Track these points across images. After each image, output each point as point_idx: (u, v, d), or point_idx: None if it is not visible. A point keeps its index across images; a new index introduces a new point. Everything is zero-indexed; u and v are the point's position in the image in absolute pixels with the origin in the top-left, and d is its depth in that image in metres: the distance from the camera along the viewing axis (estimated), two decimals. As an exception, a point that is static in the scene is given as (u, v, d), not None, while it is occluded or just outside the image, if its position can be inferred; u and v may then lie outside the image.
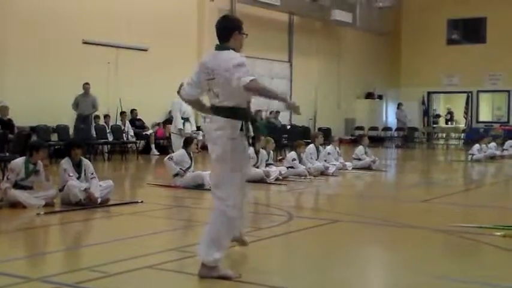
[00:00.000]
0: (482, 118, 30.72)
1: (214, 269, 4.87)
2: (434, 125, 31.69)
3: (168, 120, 17.30)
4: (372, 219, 8.11)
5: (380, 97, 30.61)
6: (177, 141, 11.67)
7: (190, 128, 11.95)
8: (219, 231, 4.91)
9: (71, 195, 8.57)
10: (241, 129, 4.90)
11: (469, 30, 30.86)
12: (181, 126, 11.65)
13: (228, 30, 5.11)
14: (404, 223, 7.83)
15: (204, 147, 17.05)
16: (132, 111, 19.40)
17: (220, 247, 4.88)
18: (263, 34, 23.49)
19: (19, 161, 8.67)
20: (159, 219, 8.23)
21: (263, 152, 12.30)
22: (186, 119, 11.78)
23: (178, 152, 11.17)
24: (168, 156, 11.24)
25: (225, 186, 4.93)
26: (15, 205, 8.30)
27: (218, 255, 4.86)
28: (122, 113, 18.86)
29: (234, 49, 5.03)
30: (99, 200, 8.65)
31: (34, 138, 13.96)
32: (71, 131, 16.68)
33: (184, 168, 10.93)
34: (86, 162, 9.05)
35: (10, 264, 5.42)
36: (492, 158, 19.12)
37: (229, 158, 4.92)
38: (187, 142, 11.24)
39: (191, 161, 11.10)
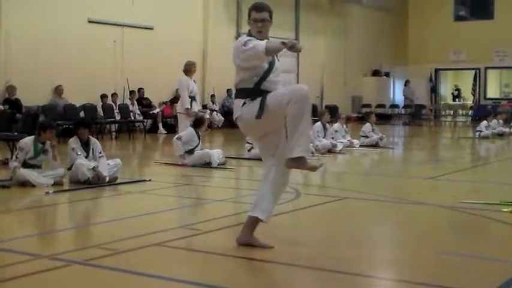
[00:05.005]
0: (490, 95, 30.55)
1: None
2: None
3: (176, 99, 17.30)
4: (379, 196, 8.13)
5: (387, 74, 30.48)
6: (183, 122, 11.64)
7: (196, 107, 11.91)
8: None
9: (79, 174, 8.63)
10: None
11: (477, 6, 30.62)
12: (189, 106, 11.62)
13: None
14: (411, 200, 7.84)
15: (210, 126, 17.14)
16: (139, 90, 19.40)
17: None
18: (269, 12, 23.34)
19: (28, 140, 8.71)
20: (167, 197, 8.27)
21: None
22: (193, 98, 11.74)
23: (187, 131, 11.17)
24: (177, 136, 11.24)
25: None
26: (24, 184, 8.36)
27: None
28: (131, 92, 18.90)
29: (251, 35, 5.14)
30: (107, 179, 8.70)
31: (42, 117, 14.00)
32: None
33: (192, 147, 10.96)
34: (94, 141, 9.10)
35: (20, 242, 5.47)
36: (500, 135, 19.08)
37: None
38: (199, 122, 11.26)
39: (199, 139, 11.14)
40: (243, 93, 5.06)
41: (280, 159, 5.07)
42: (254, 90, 5.01)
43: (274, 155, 5.15)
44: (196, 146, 11.05)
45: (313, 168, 5.06)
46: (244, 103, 5.02)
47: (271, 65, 5.12)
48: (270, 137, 5.17)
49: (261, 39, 5.00)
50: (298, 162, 4.90)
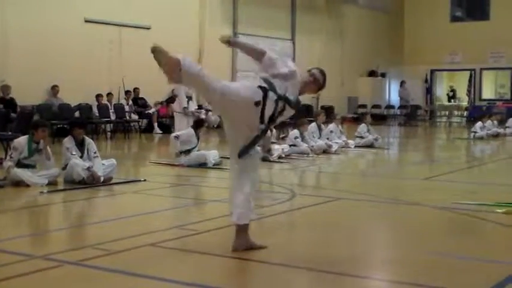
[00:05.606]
0: (485, 96, 30.58)
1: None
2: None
3: (171, 99, 17.30)
4: (374, 196, 8.12)
5: (383, 75, 30.47)
6: (181, 121, 11.64)
7: (193, 106, 11.90)
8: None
9: (74, 174, 8.61)
10: None
11: (473, 7, 30.65)
12: (186, 105, 11.62)
13: None
14: (406, 200, 7.85)
15: (207, 127, 17.14)
16: (134, 89, 19.36)
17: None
18: (266, 12, 23.38)
19: (22, 139, 8.69)
20: (161, 197, 8.26)
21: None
22: (189, 98, 11.74)
23: (186, 131, 11.15)
24: (175, 134, 11.22)
25: None
26: (19, 184, 8.34)
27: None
28: (127, 92, 18.87)
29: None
30: (102, 179, 8.69)
31: (36, 117, 13.97)
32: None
33: (190, 148, 10.95)
34: (88, 141, 9.08)
35: (14, 242, 5.46)
36: (495, 136, 19.11)
37: None
38: (199, 124, 11.27)
39: (198, 141, 11.12)
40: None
41: (242, 162, 5.09)
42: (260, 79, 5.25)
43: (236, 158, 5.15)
44: (194, 147, 11.03)
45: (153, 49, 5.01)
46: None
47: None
48: (236, 135, 5.16)
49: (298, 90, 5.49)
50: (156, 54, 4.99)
